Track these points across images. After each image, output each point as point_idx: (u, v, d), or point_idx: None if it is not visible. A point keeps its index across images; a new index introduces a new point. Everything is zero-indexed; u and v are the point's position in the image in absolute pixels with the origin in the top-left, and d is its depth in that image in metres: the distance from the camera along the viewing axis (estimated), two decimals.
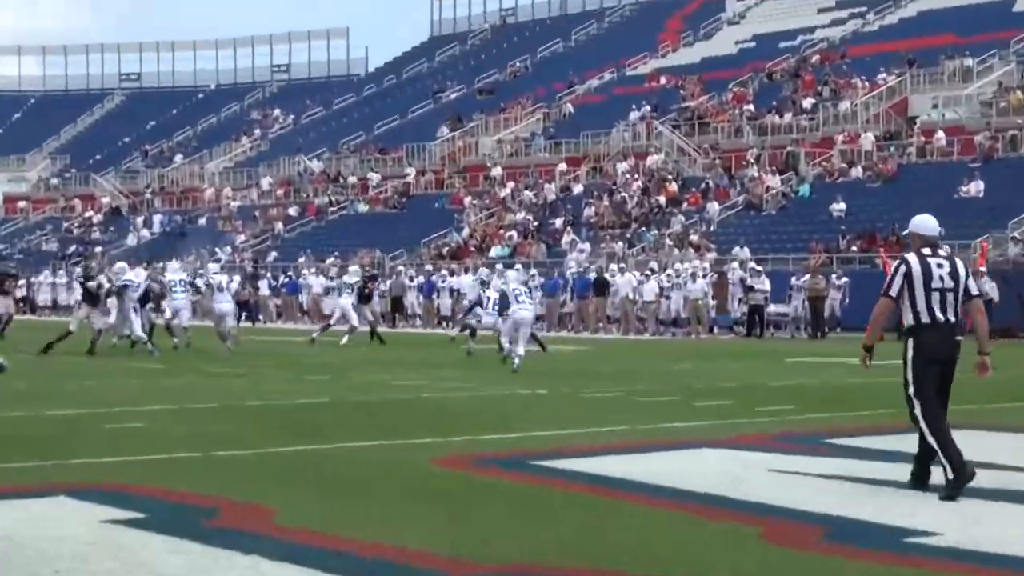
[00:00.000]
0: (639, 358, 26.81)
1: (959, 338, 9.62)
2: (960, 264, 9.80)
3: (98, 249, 63.24)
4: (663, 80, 63.42)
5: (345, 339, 30.69)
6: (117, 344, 27.34)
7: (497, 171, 58.10)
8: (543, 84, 68.75)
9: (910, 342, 9.58)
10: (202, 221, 65.22)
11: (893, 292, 9.59)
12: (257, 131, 79.60)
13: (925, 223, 9.92)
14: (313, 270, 48.41)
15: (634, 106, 58.78)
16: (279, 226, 60.55)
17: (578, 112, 63.30)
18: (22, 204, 77.79)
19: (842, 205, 42.95)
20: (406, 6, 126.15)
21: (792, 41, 63.32)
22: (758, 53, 63.16)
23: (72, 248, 65.95)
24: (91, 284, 26.80)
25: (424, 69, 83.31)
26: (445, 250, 50.70)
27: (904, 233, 9.14)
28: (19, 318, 33.20)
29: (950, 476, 9.24)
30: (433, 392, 17.95)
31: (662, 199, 48.36)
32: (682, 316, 38.06)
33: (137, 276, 28.28)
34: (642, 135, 56.40)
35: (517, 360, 22.15)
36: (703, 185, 48.73)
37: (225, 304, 28.27)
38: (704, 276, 37.58)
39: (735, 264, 39.08)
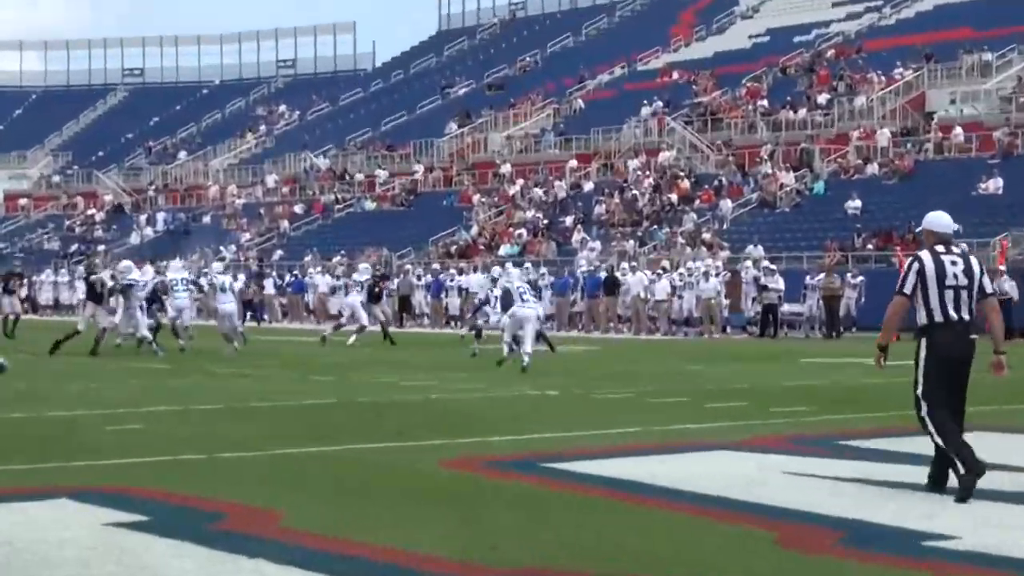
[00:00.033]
0: (650, 358, 26.80)
1: (974, 337, 9.60)
2: (975, 261, 9.78)
3: (100, 247, 63.30)
4: (675, 75, 63.36)
5: (353, 338, 30.69)
6: (121, 344, 27.37)
7: (506, 168, 58.07)
8: (553, 79, 68.73)
9: (923, 341, 9.56)
10: (206, 219, 65.24)
11: (907, 290, 9.57)
12: (262, 127, 79.65)
13: (939, 220, 9.91)
14: (319, 269, 48.42)
15: (646, 102, 58.74)
16: (285, 224, 60.59)
17: (589, 108, 63.28)
18: (23, 202, 77.88)
19: (858, 202, 42.90)
20: (413, 0, 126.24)
21: (807, 35, 63.27)
22: (772, 47, 63.10)
23: (74, 247, 66.03)
24: (94, 278, 26.82)
25: (432, 64, 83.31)
26: (453, 248, 50.70)
27: (918, 230, 9.14)
28: (23, 318, 33.21)
29: (961, 471, 9.24)
30: (442, 393, 17.95)
31: (674, 197, 48.32)
32: (694, 316, 38.03)
33: (145, 275, 28.38)
34: (654, 131, 56.35)
35: (527, 359, 22.14)
36: (716, 182, 48.69)
37: (228, 304, 28.27)
38: (717, 275, 37.54)
39: (748, 263, 39.03)
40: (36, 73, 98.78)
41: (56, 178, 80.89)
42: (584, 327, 39.85)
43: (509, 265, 35.74)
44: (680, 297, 38.06)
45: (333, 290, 45.54)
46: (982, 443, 9.97)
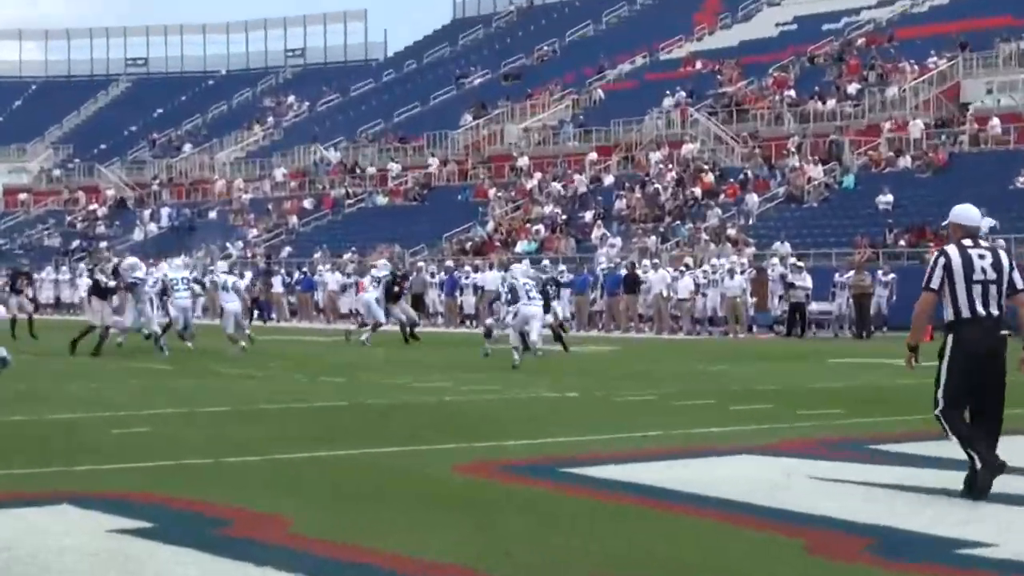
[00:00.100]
0: (673, 359, 26.78)
1: (1005, 333, 9.58)
2: (1004, 255, 9.76)
3: (103, 244, 63.47)
4: (699, 65, 63.31)
5: (365, 335, 30.71)
6: (122, 343, 27.44)
7: (523, 161, 58.06)
8: (572, 69, 68.71)
9: (949, 337, 9.57)
10: (212, 214, 65.36)
11: (934, 285, 9.57)
12: (270, 119, 79.76)
13: (966, 213, 9.91)
14: (329, 266, 48.48)
15: (668, 92, 58.70)
16: (293, 220, 60.66)
17: (609, 99, 63.25)
18: (23, 196, 78.04)
19: (889, 197, 42.81)
20: None
21: (836, 23, 63.15)
22: (800, 36, 63.02)
23: (75, 243, 66.20)
24: (100, 278, 26.93)
25: (446, 53, 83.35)
26: (468, 245, 50.72)
27: (944, 224, 9.15)
28: (22, 317, 33.28)
29: (977, 466, 9.31)
30: (456, 395, 17.96)
31: (697, 191, 48.29)
32: (719, 315, 38.00)
33: (160, 270, 28.65)
34: (676, 123, 56.31)
35: (539, 353, 22.23)
36: (741, 176, 48.64)
37: (231, 303, 28.42)
38: (742, 272, 37.50)
39: (775, 260, 39.00)
40: (36, 63, 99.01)
41: (57, 172, 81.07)
42: (604, 326, 39.84)
43: (525, 263, 35.78)
44: (704, 295, 38.02)
45: (343, 288, 45.67)
46: (1011, 447, 9.96)
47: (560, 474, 10.69)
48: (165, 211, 67.89)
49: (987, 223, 34.75)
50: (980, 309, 9.49)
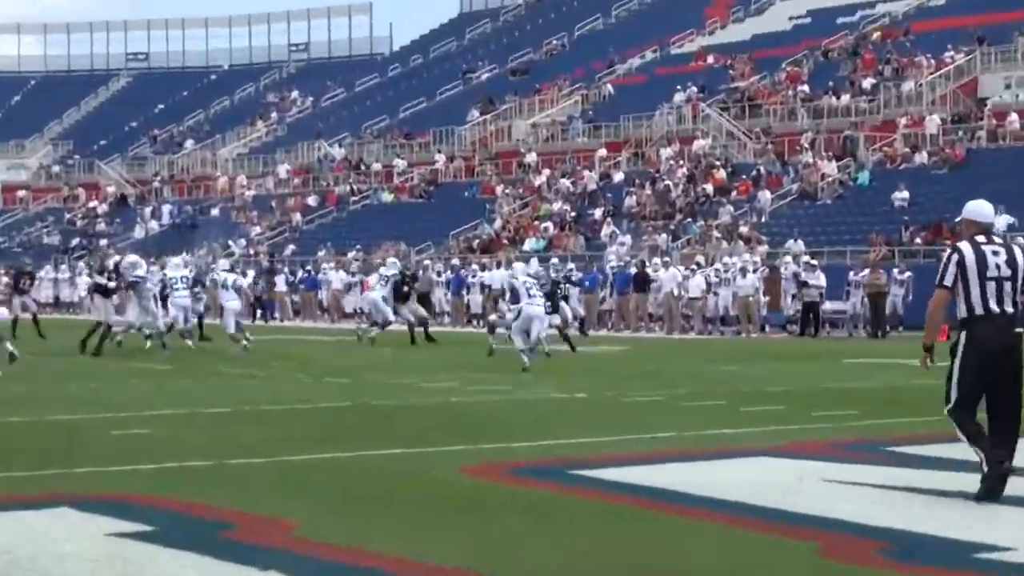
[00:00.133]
0: (684, 359, 26.78)
1: (1019, 330, 9.59)
2: (1018, 252, 9.77)
3: (103, 242, 63.51)
4: (711, 59, 63.27)
5: (374, 332, 30.69)
6: (122, 343, 27.47)
7: (532, 157, 58.05)
8: (581, 64, 68.68)
9: (963, 335, 9.58)
10: (215, 212, 65.39)
11: (948, 282, 9.59)
12: (274, 115, 79.80)
13: (979, 209, 9.93)
14: (333, 264, 48.50)
15: (679, 87, 58.66)
16: (297, 217, 60.70)
17: (619, 94, 63.22)
18: (22, 193, 78.10)
19: (905, 194, 42.77)
20: None
21: (851, 16, 63.07)
22: (814, 29, 62.93)
23: (75, 241, 66.26)
24: (99, 280, 26.98)
25: (453, 48, 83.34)
26: (476, 243, 50.72)
27: (957, 220, 9.17)
28: (25, 316, 33.34)
29: (984, 469, 9.35)
30: (463, 396, 17.97)
31: (709, 187, 48.26)
32: (731, 314, 37.99)
33: (177, 269, 28.79)
34: (688, 118, 56.28)
35: (547, 353, 22.29)
36: (754, 172, 48.61)
37: (231, 302, 28.57)
38: (755, 271, 37.49)
39: (788, 258, 38.97)
40: (35, 58, 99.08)
41: (56, 168, 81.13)
42: (614, 326, 39.83)
43: (533, 262, 35.86)
44: (715, 294, 38.01)
45: (348, 287, 45.69)
46: None
47: (569, 476, 10.70)
48: (166, 208, 67.95)
49: (1005, 220, 34.73)
50: (994, 306, 9.51)
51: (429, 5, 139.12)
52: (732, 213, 45.46)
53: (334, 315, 45.94)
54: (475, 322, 41.81)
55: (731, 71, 59.89)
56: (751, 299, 36.95)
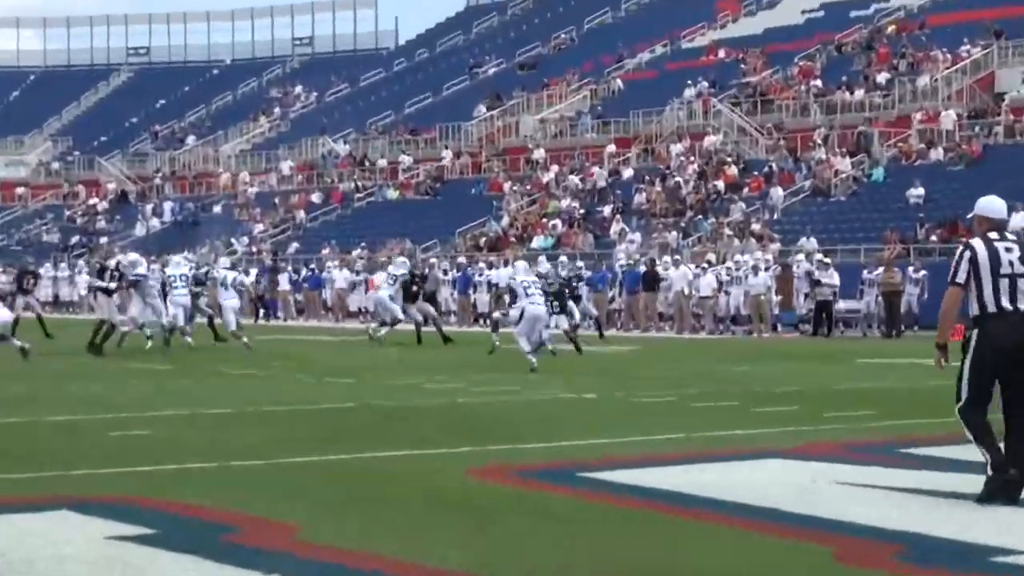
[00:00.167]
0: (694, 359, 26.77)
1: None
2: None
3: (104, 240, 63.53)
4: (722, 53, 63.24)
5: (384, 331, 30.66)
6: (123, 343, 27.49)
7: (539, 154, 58.07)
8: (590, 58, 68.68)
9: (975, 333, 9.58)
10: (217, 209, 65.45)
11: (960, 279, 9.60)
12: (277, 110, 79.84)
13: (991, 205, 9.95)
14: (338, 263, 48.51)
15: (690, 82, 58.65)
16: (301, 214, 60.73)
17: (628, 89, 63.21)
18: (20, 190, 78.16)
19: (920, 190, 42.75)
20: None
21: (865, 10, 63.01)
22: (827, 23, 62.91)
23: (75, 239, 66.29)
24: (99, 284, 27.03)
25: (459, 42, 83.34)
26: (483, 240, 50.73)
27: (969, 217, 9.21)
28: (27, 316, 33.37)
29: (989, 472, 9.40)
30: (469, 396, 17.96)
31: (720, 184, 48.26)
32: (742, 313, 37.97)
33: (179, 266, 28.95)
34: (698, 114, 56.27)
35: (553, 352, 22.38)
36: (766, 169, 48.60)
37: (230, 300, 28.72)
38: (767, 269, 37.48)
39: (801, 256, 38.95)
40: (34, 52, 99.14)
41: (56, 165, 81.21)
42: (623, 325, 39.82)
43: (541, 259, 35.83)
44: (727, 293, 38.00)
45: (352, 285, 45.69)
46: None
47: (578, 479, 10.69)
48: (168, 205, 68.00)
49: (1022, 218, 34.70)
50: (1006, 303, 9.51)
51: None
52: (744, 210, 45.45)
53: (338, 314, 45.95)
54: (482, 321, 41.78)
55: (743, 65, 59.87)
56: (763, 298, 36.94)
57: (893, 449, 12.46)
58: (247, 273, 41.03)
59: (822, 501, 9.60)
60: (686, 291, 38.19)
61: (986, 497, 9.40)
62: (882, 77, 52.81)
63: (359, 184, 62.22)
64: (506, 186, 55.56)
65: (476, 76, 73.69)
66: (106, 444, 12.84)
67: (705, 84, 58.09)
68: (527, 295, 23.75)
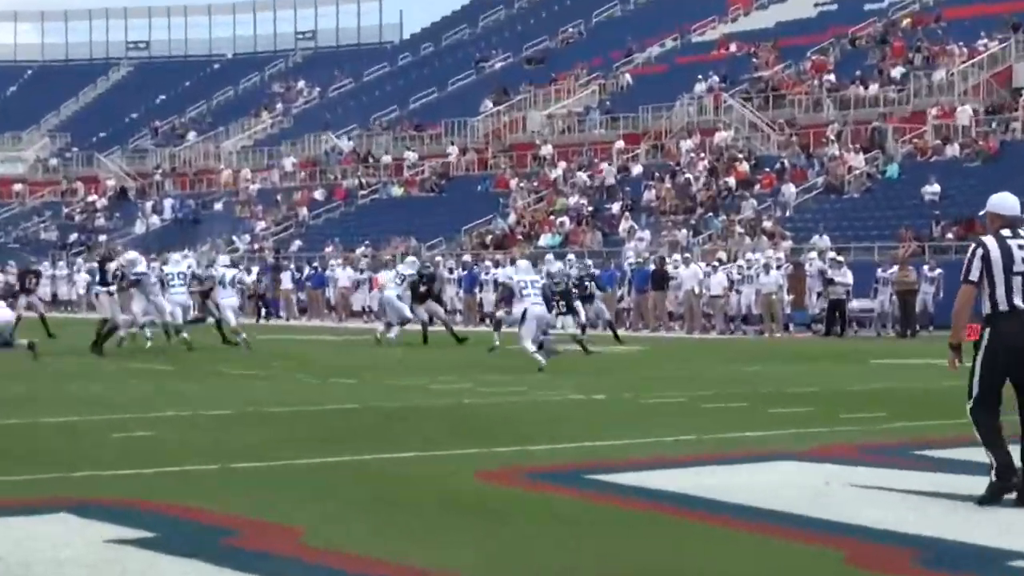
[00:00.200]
0: (705, 359, 26.76)
1: None
2: None
3: (102, 237, 63.59)
4: (733, 47, 63.22)
5: (394, 332, 30.65)
6: (123, 343, 27.53)
7: (547, 150, 58.07)
8: (598, 52, 68.66)
9: (986, 331, 9.60)
10: (218, 206, 65.50)
11: (973, 277, 9.62)
12: (279, 106, 79.89)
13: (1004, 202, 9.97)
14: (341, 261, 48.52)
15: (700, 77, 58.62)
16: (303, 212, 60.76)
17: (637, 83, 63.20)
18: (18, 187, 78.28)
19: (936, 187, 42.70)
20: None
21: (879, 2, 62.96)
22: (840, 16, 62.85)
23: (73, 236, 66.35)
24: (105, 290, 27.10)
25: (466, 35, 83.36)
26: (489, 238, 50.73)
27: (981, 214, 9.23)
28: (30, 315, 33.40)
29: (993, 478, 9.42)
30: (476, 397, 17.97)
31: (731, 181, 48.24)
32: (753, 312, 37.95)
33: (177, 265, 29.07)
34: (709, 109, 56.22)
35: (561, 348, 22.56)
36: (778, 165, 48.57)
37: (228, 299, 28.78)
38: (778, 267, 37.46)
39: (813, 254, 38.92)
40: (32, 46, 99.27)
41: (54, 161, 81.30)
42: (632, 325, 39.80)
43: (549, 257, 35.79)
44: (738, 292, 37.98)
45: (356, 284, 45.71)
46: None
47: (587, 481, 10.69)
48: (168, 203, 68.06)
49: None
50: (1019, 302, 9.52)
51: None
52: (755, 207, 45.43)
53: (342, 314, 45.95)
54: (488, 320, 41.77)
55: (754, 60, 59.82)
56: (775, 297, 36.91)
57: (908, 451, 12.45)
58: (249, 272, 41.08)
59: (835, 504, 9.60)
60: (696, 290, 38.17)
61: (989, 499, 9.44)
62: (897, 71, 52.74)
63: (363, 181, 62.24)
64: (513, 183, 55.55)
65: (482, 70, 73.70)
66: (106, 445, 12.85)
67: (716, 79, 58.06)
68: (523, 295, 23.81)
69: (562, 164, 55.75)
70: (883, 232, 41.29)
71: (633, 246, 44.32)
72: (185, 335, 28.03)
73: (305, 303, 48.28)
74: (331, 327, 42.22)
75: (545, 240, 48.18)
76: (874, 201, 44.80)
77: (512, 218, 52.00)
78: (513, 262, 41.93)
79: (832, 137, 49.11)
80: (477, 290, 43.17)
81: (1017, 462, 9.53)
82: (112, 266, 27.65)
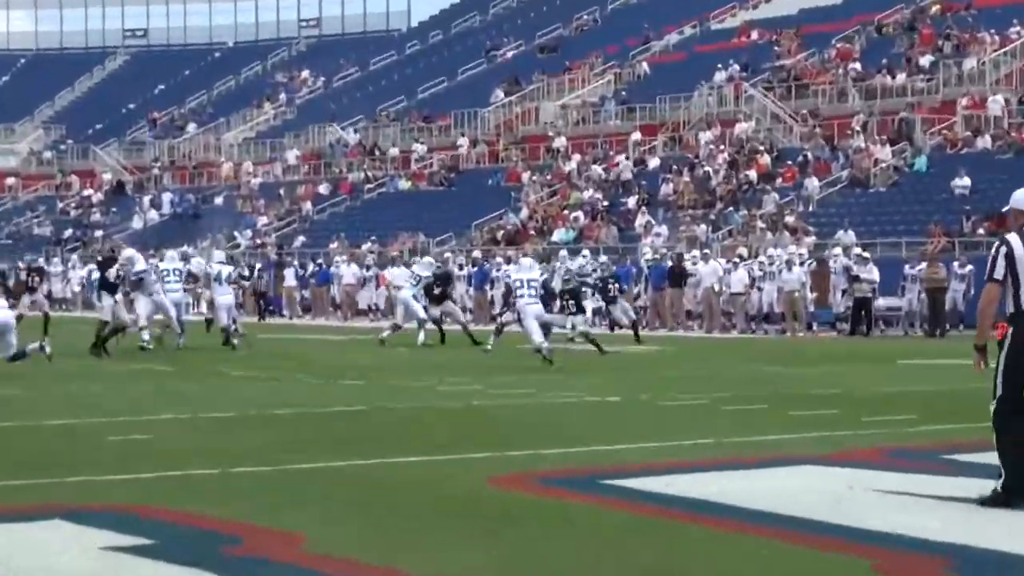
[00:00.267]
0: (725, 359, 26.76)
1: None
2: None
3: (98, 233, 63.66)
4: (754, 35, 63.15)
5: (421, 336, 30.63)
6: (118, 343, 27.57)
7: (561, 142, 58.05)
8: (614, 40, 68.63)
9: (1010, 331, 9.61)
10: (218, 200, 65.52)
11: (998, 275, 9.67)
12: (282, 96, 79.91)
13: None
14: (346, 257, 48.55)
15: (720, 65, 58.58)
16: (307, 206, 60.79)
17: (655, 73, 63.16)
18: (10, 181, 78.28)
19: (966, 181, 42.65)
20: None
21: None
22: (866, 2, 62.68)
23: (68, 232, 66.42)
24: (112, 299, 27.16)
25: (476, 23, 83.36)
26: (500, 234, 50.74)
27: (1005, 209, 9.24)
28: (33, 315, 33.41)
29: (998, 488, 9.54)
30: (487, 399, 17.98)
31: (752, 174, 48.20)
32: (775, 311, 37.93)
33: (172, 262, 29.19)
34: (729, 99, 56.20)
35: (548, 352, 22.67)
36: (800, 158, 48.51)
37: (225, 296, 28.89)
38: (801, 264, 37.44)
39: (838, 250, 38.89)
40: (25, 34, 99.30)
41: (48, 154, 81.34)
42: (649, 323, 39.78)
43: (563, 254, 35.82)
44: (759, 289, 37.96)
45: (362, 282, 45.74)
46: None
47: (604, 487, 10.70)
48: (167, 197, 68.08)
49: None
50: None
51: None
52: (777, 202, 45.40)
53: (347, 312, 45.99)
54: (498, 319, 41.79)
55: (776, 48, 59.77)
56: (797, 295, 36.88)
57: (936, 455, 12.45)
58: (250, 268, 41.09)
59: (860, 510, 9.60)
60: (716, 287, 38.16)
61: (990, 502, 9.54)
62: (925, 60, 52.66)
63: (369, 174, 62.25)
64: (525, 176, 55.54)
65: (493, 59, 73.69)
66: (103, 449, 12.87)
67: (736, 68, 58.01)
68: (518, 295, 23.97)
69: (576, 157, 55.73)
70: (911, 227, 41.23)
71: (650, 242, 44.31)
72: (181, 341, 28.10)
73: (309, 301, 48.33)
74: (336, 326, 42.27)
75: (559, 236, 48.17)
76: (901, 195, 44.74)
77: (524, 213, 51.99)
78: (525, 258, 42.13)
79: (857, 128, 49.05)
80: (488, 287, 43.18)
81: None
82: (111, 272, 27.55)
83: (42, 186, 76.74)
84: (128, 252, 29.41)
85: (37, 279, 35.62)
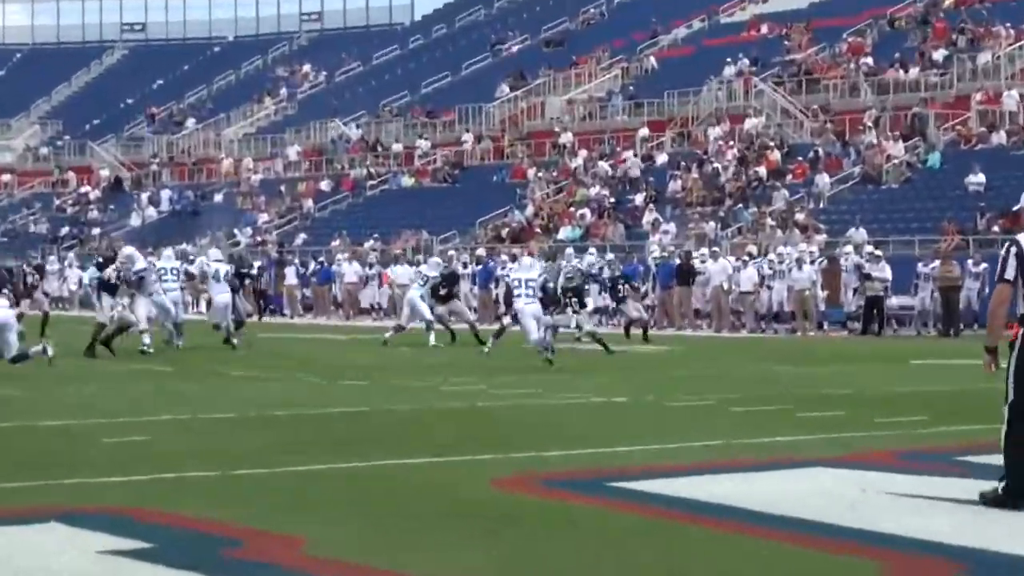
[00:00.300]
0: (734, 359, 26.76)
1: None
2: None
3: (96, 231, 63.68)
4: (764, 29, 63.14)
5: (431, 337, 30.62)
6: (124, 339, 27.60)
7: (567, 138, 58.05)
8: (621, 34, 68.62)
9: (1021, 333, 9.61)
10: (218, 197, 65.56)
11: (1009, 276, 9.69)
12: (283, 91, 79.93)
13: None
14: (348, 255, 48.55)
15: (729, 60, 58.54)
16: (308, 203, 60.80)
17: (663, 67, 63.15)
18: (6, 178, 78.39)
19: (980, 177, 42.62)
20: None
21: None
22: None
23: (65, 230, 66.45)
24: (117, 304, 27.18)
25: (480, 16, 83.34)
26: (505, 231, 50.74)
27: (1015, 208, 9.26)
28: (34, 314, 33.47)
29: (999, 491, 9.59)
30: (490, 400, 17.98)
31: (762, 171, 48.18)
32: (785, 310, 37.92)
33: (167, 260, 29.23)
34: (738, 94, 56.17)
35: (550, 353, 22.74)
36: (811, 154, 48.49)
37: (222, 295, 28.97)
38: (812, 262, 37.42)
39: (849, 248, 38.88)
40: (21, 29, 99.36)
41: (44, 150, 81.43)
42: (656, 323, 39.76)
43: (566, 253, 35.77)
44: (769, 288, 37.96)
45: (364, 280, 45.73)
46: None
47: (609, 489, 10.69)
48: (165, 194, 68.11)
49: None
50: None
51: None
52: (787, 198, 45.38)
53: (349, 311, 45.99)
54: (503, 318, 41.77)
55: (787, 42, 59.76)
56: (808, 293, 36.88)
57: (949, 457, 12.44)
58: (251, 267, 41.09)
59: (872, 513, 9.59)
60: (725, 286, 38.15)
61: (991, 503, 9.59)
62: (939, 54, 52.62)
63: (372, 170, 62.25)
64: (530, 172, 55.55)
65: (498, 53, 73.69)
66: (100, 451, 12.87)
67: (746, 62, 57.98)
68: (515, 295, 24.01)
69: (583, 153, 55.74)
70: (924, 225, 41.21)
71: (658, 239, 44.30)
72: (179, 342, 28.13)
73: (310, 300, 48.33)
74: (337, 325, 42.27)
75: (565, 233, 48.18)
76: (914, 192, 44.72)
77: (530, 210, 52.00)
78: (530, 256, 42.11)
79: (869, 124, 49.04)
80: (492, 286, 43.15)
81: None
82: (110, 272, 27.52)
83: (38, 183, 76.77)
84: (127, 250, 29.42)
85: (38, 277, 35.67)
